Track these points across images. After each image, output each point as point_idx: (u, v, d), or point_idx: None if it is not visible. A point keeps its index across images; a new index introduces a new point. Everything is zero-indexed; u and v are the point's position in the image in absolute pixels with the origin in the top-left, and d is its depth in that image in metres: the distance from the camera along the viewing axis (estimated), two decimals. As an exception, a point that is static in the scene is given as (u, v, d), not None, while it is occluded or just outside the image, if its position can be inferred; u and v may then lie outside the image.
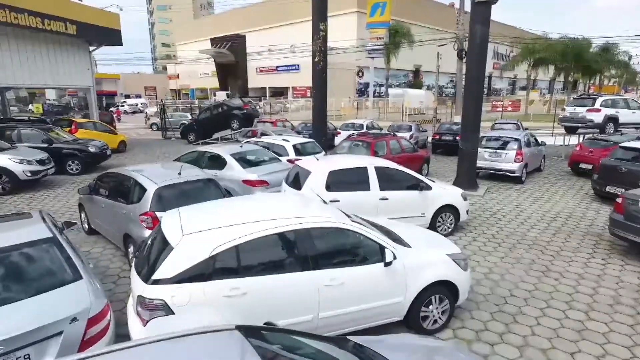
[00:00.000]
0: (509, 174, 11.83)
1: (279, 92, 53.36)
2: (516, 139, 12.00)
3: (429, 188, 7.38)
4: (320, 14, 12.64)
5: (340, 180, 6.98)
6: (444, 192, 7.60)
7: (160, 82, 69.16)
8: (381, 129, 20.01)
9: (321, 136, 13.16)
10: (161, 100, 27.02)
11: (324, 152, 11.83)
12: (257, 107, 26.41)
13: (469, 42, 11.08)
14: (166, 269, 3.48)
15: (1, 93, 17.39)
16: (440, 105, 35.36)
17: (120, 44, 19.57)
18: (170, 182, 6.19)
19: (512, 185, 11.81)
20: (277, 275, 3.75)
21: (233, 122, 21.44)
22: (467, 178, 11.19)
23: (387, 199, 7.02)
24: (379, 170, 7.12)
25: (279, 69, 52.12)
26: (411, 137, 17.63)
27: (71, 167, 13.33)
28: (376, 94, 48.65)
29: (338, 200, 6.74)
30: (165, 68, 76.27)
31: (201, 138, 21.31)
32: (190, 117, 26.73)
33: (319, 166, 7.02)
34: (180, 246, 3.57)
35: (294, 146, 11.08)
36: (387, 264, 4.06)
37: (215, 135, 21.26)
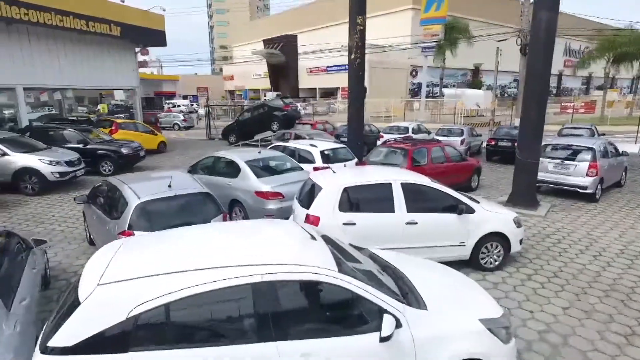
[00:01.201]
0: (579, 190, 9.84)
1: (329, 93, 52.52)
2: (589, 148, 9.97)
3: (471, 211, 5.94)
4: (358, 7, 11.42)
5: (357, 199, 5.78)
6: (491, 216, 6.10)
7: (216, 83, 71.22)
8: (429, 132, 18.32)
9: (357, 141, 11.93)
10: (206, 101, 27.14)
11: (356, 160, 10.64)
12: (300, 108, 25.64)
13: (531, 32, 9.30)
14: (67, 332, 2.55)
15: (52, 94, 18.05)
16: (500, 107, 32.45)
17: (164, 44, 19.68)
18: (155, 196, 5.36)
19: (582, 205, 9.81)
20: (223, 348, 2.68)
21: (273, 123, 20.80)
22: (525, 194, 9.42)
23: (415, 223, 5.70)
24: (406, 187, 5.81)
25: (329, 69, 51.23)
26: (462, 142, 15.82)
27: (104, 167, 13.29)
28: (430, 95, 46.24)
29: (354, 224, 5.57)
30: (221, 70, 78.58)
31: (242, 139, 20.95)
32: (182, 117, 29.38)
33: (332, 181, 5.85)
34: (89, 301, 2.62)
35: (322, 152, 9.99)
36: (384, 339, 2.83)
37: (256, 137, 20.80)
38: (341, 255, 3.53)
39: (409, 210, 5.74)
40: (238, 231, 3.54)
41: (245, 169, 7.96)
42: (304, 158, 10.11)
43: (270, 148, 11.32)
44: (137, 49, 19.26)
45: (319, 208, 5.62)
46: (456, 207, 5.85)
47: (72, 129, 13.56)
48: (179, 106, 53.11)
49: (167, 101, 55.01)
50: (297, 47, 52.31)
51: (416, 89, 46.34)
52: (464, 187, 10.86)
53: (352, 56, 11.69)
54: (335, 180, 5.87)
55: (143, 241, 3.48)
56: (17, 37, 14.08)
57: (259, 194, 7.50)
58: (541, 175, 10.03)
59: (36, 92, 16.07)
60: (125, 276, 2.76)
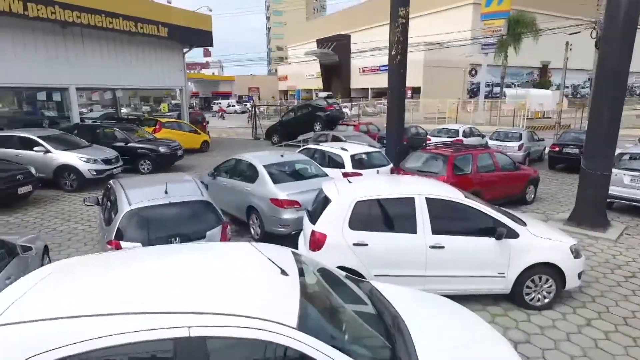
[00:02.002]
0: (663, 210, 8.14)
1: (382, 93, 51.05)
2: (679, 159, 8.22)
3: (513, 235, 4.85)
4: (400, -3, 10.44)
5: (372, 215, 4.94)
6: (541, 242, 4.96)
7: (270, 84, 72.54)
8: (483, 136, 16.73)
9: (395, 144, 10.95)
10: (252, 101, 27.25)
11: (391, 166, 9.69)
12: (346, 108, 24.87)
13: (605, 21, 7.79)
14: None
15: (102, 93, 18.74)
16: (570, 108, 29.32)
17: (211, 44, 19.88)
18: (147, 203, 4.92)
19: (667, 227, 8.10)
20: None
21: (316, 124, 20.26)
22: (592, 211, 7.93)
23: (442, 247, 4.75)
24: (433, 202, 4.86)
25: (382, 68, 49.80)
26: (520, 147, 14.18)
27: (143, 166, 13.47)
28: (490, 95, 43.28)
29: (366, 244, 4.75)
30: (277, 70, 79.95)
31: (285, 139, 20.64)
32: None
33: (343, 192, 5.05)
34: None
35: (353, 157, 9.18)
36: None
37: (300, 138, 20.39)
38: (320, 301, 2.77)
39: (435, 231, 4.79)
40: (189, 259, 2.89)
41: (263, 173, 7.39)
42: (334, 162, 9.38)
43: (300, 150, 10.73)
44: (185, 50, 19.62)
45: (326, 224, 4.87)
46: (494, 230, 4.80)
47: (116, 128, 13.91)
48: (233, 106, 54.63)
49: (215, 101, 56.82)
50: (350, 47, 51.52)
51: (475, 89, 43.62)
52: (518, 199, 9.53)
53: (393, 52, 10.73)
54: (347, 192, 5.07)
55: (77, 267, 2.93)
56: (72, 39, 14.76)
57: (274, 201, 6.88)
58: (614, 190, 8.45)
59: (92, 92, 16.71)
60: (28, 316, 2.21)
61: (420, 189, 5.05)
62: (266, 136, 22.46)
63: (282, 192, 6.92)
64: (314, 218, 5.07)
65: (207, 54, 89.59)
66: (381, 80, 51.18)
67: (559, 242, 5.01)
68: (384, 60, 50.88)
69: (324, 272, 3.28)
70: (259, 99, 55.85)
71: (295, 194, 6.86)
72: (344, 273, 3.60)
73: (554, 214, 9.11)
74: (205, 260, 2.88)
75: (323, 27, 63.65)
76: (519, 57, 36.28)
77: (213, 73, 72.10)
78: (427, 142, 15.80)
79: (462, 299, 5.06)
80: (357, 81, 52.88)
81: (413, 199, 4.87)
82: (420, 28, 45.88)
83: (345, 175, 8.84)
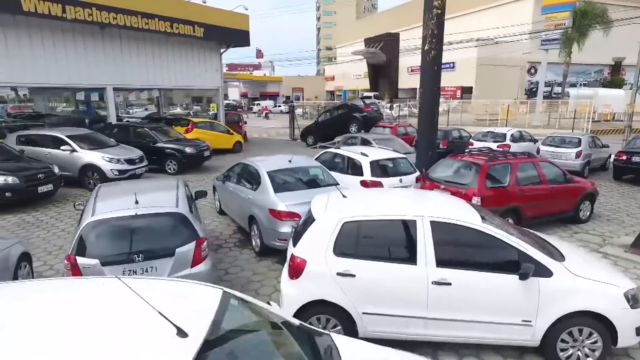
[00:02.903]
0: None
1: (431, 93, 48.93)
2: None
3: (545, 273, 3.78)
4: (436, -14, 9.34)
5: (361, 239, 4.09)
6: (583, 284, 3.82)
7: (317, 84, 72.41)
8: (535, 140, 14.97)
9: (427, 150, 9.85)
10: (291, 101, 26.88)
11: (417, 174, 8.66)
12: (385, 108, 23.75)
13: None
14: None
15: (139, 93, 19.10)
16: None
17: (248, 44, 19.68)
18: (111, 215, 4.42)
19: None
20: None
21: (352, 125, 19.40)
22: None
23: (448, 283, 3.79)
24: (439, 227, 3.91)
25: (431, 67, 47.71)
26: (578, 155, 12.42)
27: (169, 166, 13.41)
28: (550, 95, 39.87)
29: (352, 275, 3.91)
30: (324, 71, 79.74)
31: (321, 140, 19.98)
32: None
33: (331, 210, 4.24)
34: None
35: (373, 163, 8.27)
36: None
37: (337, 139, 19.64)
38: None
39: (440, 262, 3.85)
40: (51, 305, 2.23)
41: (265, 180, 6.74)
42: (353, 169, 8.54)
43: (321, 154, 9.98)
44: (222, 50, 19.60)
45: (306, 248, 4.08)
46: (518, 266, 3.76)
47: (146, 128, 13.98)
48: (279, 105, 55.04)
49: (255, 102, 57.68)
50: (399, 46, 49.82)
51: (533, 89, 40.34)
52: (569, 218, 8.14)
53: (426, 47, 9.65)
54: (335, 209, 4.24)
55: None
56: (110, 40, 15.12)
57: (272, 212, 6.19)
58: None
59: (129, 92, 17.10)
60: None
61: (425, 209, 4.11)
62: (301, 137, 21.94)
63: (282, 202, 6.22)
64: (296, 239, 4.30)
65: (259, 55, 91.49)
66: (430, 80, 48.99)
67: (609, 286, 3.85)
68: (433, 58, 48.33)
69: (262, 327, 2.52)
70: (302, 100, 55.85)
71: (296, 205, 6.12)
72: (297, 322, 2.81)
73: (614, 237, 7.61)
74: (71, 304, 2.19)
75: (372, 26, 62.35)
76: (586, 54, 32.97)
77: (264, 74, 73.33)
78: (470, 147, 14.38)
79: (477, 347, 4.07)
80: (406, 81, 51.05)
81: (414, 221, 3.94)
82: (474, 24, 43.38)
83: (364, 183, 8.01)
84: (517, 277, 3.73)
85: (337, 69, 68.67)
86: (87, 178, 11.04)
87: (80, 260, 4.17)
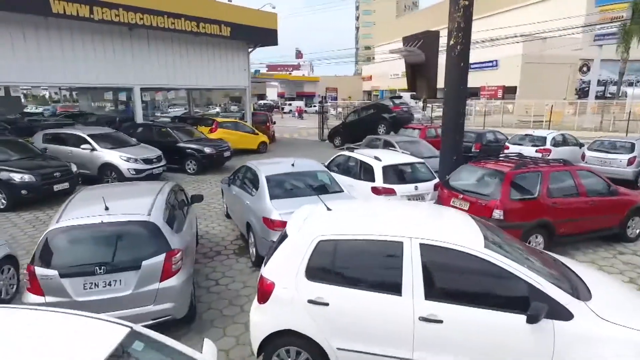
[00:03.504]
0: None
1: (472, 93, 46.79)
2: None
3: (563, 315, 3.03)
4: (464, -25, 8.50)
5: (338, 262, 3.52)
6: (613, 332, 3.02)
7: (354, 84, 71.53)
8: (581, 145, 13.55)
9: (451, 154, 9.00)
10: (320, 101, 26.42)
11: (436, 180, 7.89)
12: (419, 109, 22.74)
13: None
14: None
15: (166, 93, 19.33)
16: None
17: (276, 43, 19.40)
18: (75, 222, 4.12)
19: None
20: None
21: (380, 126, 18.62)
22: None
23: (439, 320, 3.13)
24: (430, 252, 3.26)
25: (472, 66, 45.52)
26: (630, 162, 11.05)
27: (189, 166, 13.35)
28: (605, 95, 36.79)
29: (326, 304, 3.35)
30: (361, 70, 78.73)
31: (348, 142, 19.37)
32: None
33: (307, 226, 3.68)
34: None
35: (386, 168, 7.60)
36: None
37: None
38: None
39: (430, 294, 3.20)
40: None
41: (263, 185, 6.29)
42: (365, 174, 7.92)
43: (336, 157, 9.42)
44: (249, 49, 19.46)
45: (276, 268, 3.56)
46: (526, 303, 3.03)
47: (168, 127, 14.00)
48: (314, 105, 54.88)
49: (287, 102, 57.77)
50: (438, 44, 48.00)
51: (585, 88, 37.40)
52: (613, 235, 7.09)
53: (452, 42, 8.83)
54: (312, 225, 3.68)
55: None
56: (138, 41, 15.33)
57: (265, 220, 5.73)
58: None
59: (156, 92, 17.32)
60: None
61: (415, 228, 3.46)
62: (329, 138, 21.42)
63: (276, 210, 5.74)
64: (269, 257, 3.79)
65: (299, 55, 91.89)
66: (471, 79, 46.79)
67: (646, 335, 3.03)
68: (475, 57, 46.31)
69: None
70: (336, 100, 55.21)
71: (290, 214, 5.61)
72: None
73: (667, 260, 6.50)
74: None
75: (412, 24, 60.56)
76: (646, 49, 29.98)
77: (303, 74, 73.40)
78: (505, 150, 13.26)
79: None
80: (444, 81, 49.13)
81: (401, 243, 3.31)
82: (519, 18, 40.92)
83: (375, 190, 7.38)
84: (526, 318, 3.00)
85: (374, 69, 67.55)
86: (106, 177, 11.11)
87: (39, 270, 3.89)
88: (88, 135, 11.34)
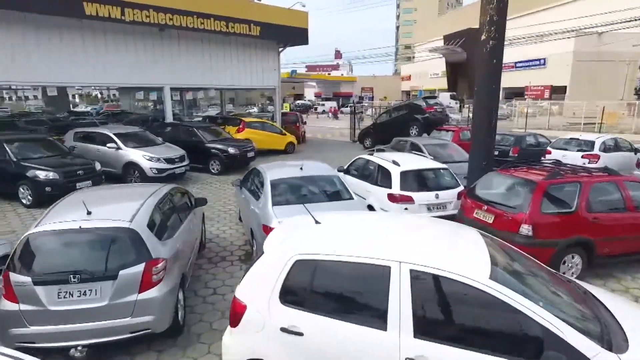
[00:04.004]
0: None
1: (517, 93, 44.35)
2: None
3: (586, 368, 2.41)
4: (500, -38, 7.72)
5: (316, 285, 3.06)
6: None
7: (393, 84, 70.21)
8: (636, 150, 12.20)
9: (482, 159, 8.24)
10: (352, 102, 25.87)
11: (461, 188, 7.21)
12: (455, 110, 21.67)
13: None
14: None
15: (196, 93, 19.29)
16: None
17: (306, 42, 19.10)
18: (53, 227, 3.94)
19: None
20: None
21: (412, 127, 17.83)
22: None
23: (429, 364, 2.61)
24: (422, 280, 2.74)
25: (517, 65, 43.18)
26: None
27: (213, 166, 13.31)
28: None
29: (300, 333, 2.91)
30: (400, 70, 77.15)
31: (379, 143, 18.75)
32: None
33: (286, 242, 3.25)
34: None
35: (405, 174, 7.02)
36: None
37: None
38: None
39: (420, 331, 2.68)
40: None
41: (267, 190, 5.94)
42: (383, 180, 7.38)
43: (355, 160, 8.93)
44: (280, 48, 19.29)
45: (249, 289, 3.17)
46: (539, 350, 2.44)
47: (194, 127, 14.02)
48: (350, 105, 54.34)
49: (319, 102, 57.43)
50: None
51: (646, 88, 34.36)
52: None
53: (484, 36, 8.07)
54: (292, 240, 3.25)
55: None
56: (169, 41, 15.54)
57: (265, 229, 5.35)
58: None
59: (185, 92, 17.52)
60: None
61: (407, 250, 2.94)
62: (359, 139, 20.85)
63: (277, 218, 5.35)
64: (244, 276, 3.40)
65: (338, 56, 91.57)
66: (515, 79, 44.39)
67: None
68: (521, 54, 43.93)
69: None
70: (372, 100, 54.22)
71: (291, 222, 5.21)
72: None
73: None
74: None
75: (455, 22, 58.33)
76: None
77: (342, 74, 72.98)
78: (546, 155, 12.17)
79: None
80: (487, 80, 46.93)
81: (388, 268, 2.82)
82: (571, 12, 38.20)
83: (392, 197, 6.84)
84: (537, 368, 2.42)
85: (413, 68, 65.98)
86: (130, 175, 11.24)
87: (14, 277, 3.73)
88: (114, 134, 11.52)
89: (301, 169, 6.40)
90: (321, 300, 3.00)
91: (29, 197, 9.23)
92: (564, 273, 5.49)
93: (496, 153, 12.94)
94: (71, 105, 41.47)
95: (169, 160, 11.43)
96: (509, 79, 45.22)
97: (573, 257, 5.52)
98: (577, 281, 3.63)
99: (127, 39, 14.42)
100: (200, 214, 6.72)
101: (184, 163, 11.94)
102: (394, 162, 7.24)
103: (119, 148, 11.32)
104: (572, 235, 5.47)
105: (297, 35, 18.71)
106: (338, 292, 3.02)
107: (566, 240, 5.42)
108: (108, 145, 11.35)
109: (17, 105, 21.43)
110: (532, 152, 12.59)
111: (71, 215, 4.11)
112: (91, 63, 13.63)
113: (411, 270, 2.76)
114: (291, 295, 3.00)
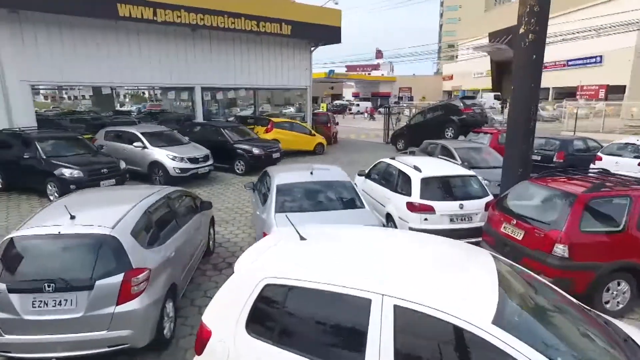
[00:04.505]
0: None
1: (568, 94, 41.43)
2: None
3: None
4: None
5: (288, 314, 2.62)
6: None
7: (434, 84, 68.08)
8: None
9: (517, 166, 7.42)
10: (387, 102, 25.06)
11: (490, 197, 6.49)
12: (488, 111, 20.42)
13: None
14: None
15: (226, 93, 19.21)
16: None
17: (339, 41, 18.64)
18: (33, 232, 3.79)
19: None
20: None
21: (448, 129, 16.92)
22: None
23: None
24: (406, 317, 2.24)
25: (569, 63, 40.30)
26: None
27: (238, 167, 13.19)
28: None
29: (264, 371, 2.49)
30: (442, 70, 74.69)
31: (412, 145, 17.97)
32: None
33: (258, 261, 2.84)
34: None
35: (427, 181, 6.41)
36: None
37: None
38: None
39: (405, 381, 2.18)
40: None
41: (272, 195, 5.58)
42: (403, 186, 6.81)
43: (376, 164, 8.40)
44: (312, 48, 18.96)
45: (216, 314, 2.80)
46: None
47: (221, 127, 13.96)
48: (386, 106, 53.22)
49: (353, 103, 56.47)
50: (530, 39, 43.28)
51: None
52: None
53: (522, 29, 7.31)
54: (264, 260, 2.83)
55: None
56: (200, 41, 15.64)
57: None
58: None
59: (216, 92, 17.54)
60: None
61: (393, 281, 2.44)
62: (391, 141, 20.12)
63: (277, 226, 4.96)
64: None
65: (379, 55, 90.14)
66: (566, 78, 41.47)
67: None
68: (573, 51, 40.93)
69: None
70: (412, 100, 52.68)
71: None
72: None
73: None
74: None
75: (503, 18, 55.60)
76: None
77: (382, 74, 71.67)
78: (595, 162, 10.98)
79: None
80: (536, 79, 44.22)
81: (368, 301, 2.34)
82: (632, 3, 35.14)
83: (411, 206, 6.28)
84: None
85: (456, 68, 63.59)
86: (154, 174, 11.32)
87: (-6, 284, 3.59)
88: (141, 134, 11.65)
89: (311, 173, 5.98)
90: (292, 332, 2.58)
91: (56, 194, 9.45)
92: (606, 303, 4.71)
93: (538, 158, 11.94)
94: (119, 105, 43.45)
95: (192, 160, 11.40)
96: (559, 78, 42.45)
97: (619, 285, 4.72)
98: (618, 323, 2.95)
99: (160, 40, 14.64)
100: (208, 217, 6.48)
101: (208, 163, 11.88)
102: (415, 168, 6.65)
103: (144, 147, 11.43)
104: (619, 259, 4.67)
105: (330, 34, 18.29)
106: (311, 325, 2.57)
107: (611, 263, 4.64)
108: (134, 144, 11.49)
109: (73, 105, 22.56)
110: (580, 158, 11.42)
111: (54, 219, 3.94)
112: (123, 63, 13.93)
113: (395, 307, 2.27)
114: (259, 324, 2.60)
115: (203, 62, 15.87)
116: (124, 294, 3.67)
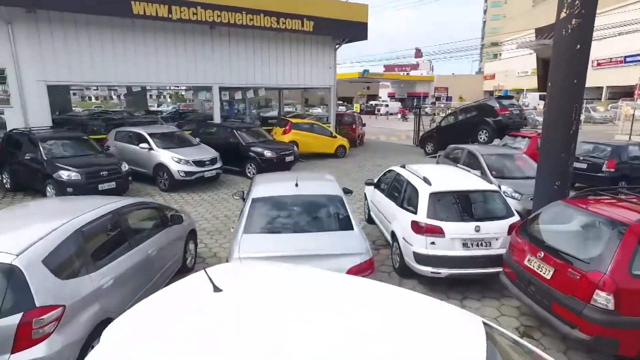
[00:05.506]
0: None
1: (625, 94, 37.78)
2: None
3: None
4: None
5: None
6: None
7: (474, 83, 64.97)
8: None
9: (554, 178, 6.13)
10: (416, 103, 23.64)
11: (516, 218, 5.30)
12: (531, 111, 18.60)
13: None
14: None
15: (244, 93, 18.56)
16: None
17: (365, 38, 17.58)
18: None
19: None
20: None
21: (481, 132, 15.45)
22: None
23: None
24: None
25: (627, 59, 36.74)
26: None
27: (249, 170, 12.53)
28: None
29: None
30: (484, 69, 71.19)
31: (442, 148, 16.63)
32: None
33: (120, 334, 1.98)
34: None
35: (436, 196, 5.33)
36: None
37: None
38: None
39: None
40: None
41: (245, 210, 4.74)
42: (410, 200, 5.76)
43: (385, 172, 7.37)
44: (336, 45, 18.01)
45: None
46: None
47: (233, 129, 13.36)
48: (419, 107, 51.31)
49: (382, 102, 54.70)
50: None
51: None
52: None
53: (564, 14, 6.04)
54: (124, 332, 1.97)
55: None
56: (219, 39, 15.14)
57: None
58: None
59: (235, 91, 17.01)
60: None
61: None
62: (420, 144, 18.80)
63: (243, 251, 4.11)
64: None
65: (418, 54, 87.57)
66: (623, 76, 37.87)
67: None
68: (634, 46, 37.40)
69: None
70: (450, 100, 50.26)
71: (264, 259, 3.93)
72: None
73: None
74: None
75: (551, 13, 52.18)
76: None
77: (421, 74, 69.38)
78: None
79: None
80: (588, 78, 40.78)
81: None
82: None
83: (416, 227, 5.24)
84: None
85: (498, 66, 60.39)
86: (159, 177, 10.87)
87: None
88: (148, 134, 11.23)
89: (296, 185, 5.07)
90: None
91: (54, 196, 9.15)
92: (668, 375, 3.48)
93: (584, 166, 10.36)
94: (156, 105, 44.43)
95: (198, 163, 10.83)
96: (615, 76, 38.88)
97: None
98: None
99: (177, 38, 14.26)
100: (184, 231, 5.74)
101: (216, 166, 11.28)
102: (425, 180, 5.57)
103: (151, 148, 11.00)
104: (688, 314, 3.43)
105: (356, 30, 17.25)
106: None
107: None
108: (141, 145, 11.08)
109: (111, 105, 22.81)
110: (636, 168, 9.77)
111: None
112: (139, 62, 13.66)
113: None
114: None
115: (221, 61, 15.36)
116: (21, 339, 2.94)
